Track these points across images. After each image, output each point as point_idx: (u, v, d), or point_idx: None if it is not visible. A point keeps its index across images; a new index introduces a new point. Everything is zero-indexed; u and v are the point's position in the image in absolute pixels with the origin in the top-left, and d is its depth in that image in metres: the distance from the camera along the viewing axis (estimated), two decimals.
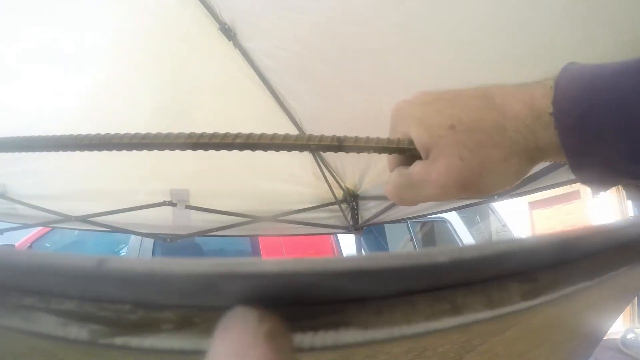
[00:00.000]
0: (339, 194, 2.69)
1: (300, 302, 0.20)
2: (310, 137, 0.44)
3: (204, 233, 2.70)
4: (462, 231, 5.31)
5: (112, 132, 0.44)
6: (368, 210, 2.79)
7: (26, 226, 2.58)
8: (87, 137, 0.43)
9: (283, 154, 0.46)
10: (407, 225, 5.17)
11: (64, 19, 1.71)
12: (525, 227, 7.65)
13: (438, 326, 0.22)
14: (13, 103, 1.88)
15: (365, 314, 0.21)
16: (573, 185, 1.96)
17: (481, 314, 0.23)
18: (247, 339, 0.17)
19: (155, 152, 0.45)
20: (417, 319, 0.21)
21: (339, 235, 4.17)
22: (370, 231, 4.68)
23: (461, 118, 0.43)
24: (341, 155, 2.25)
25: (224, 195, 2.52)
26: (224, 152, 0.46)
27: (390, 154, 0.48)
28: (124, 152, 0.45)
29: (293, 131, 1.81)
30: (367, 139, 0.45)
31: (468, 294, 0.23)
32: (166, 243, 2.81)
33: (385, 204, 2.59)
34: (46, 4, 1.65)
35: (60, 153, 0.49)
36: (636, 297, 4.12)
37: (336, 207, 2.73)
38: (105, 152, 0.44)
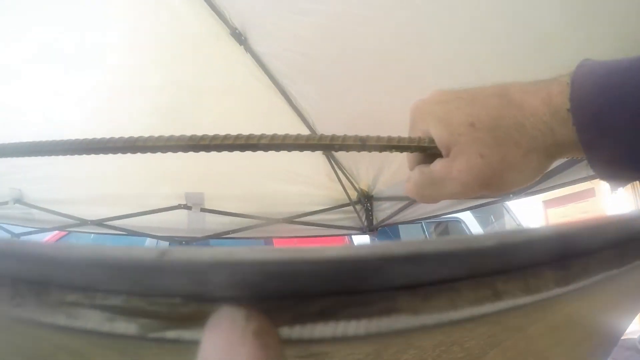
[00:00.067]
0: (353, 195, 2.69)
1: (352, 289, 0.20)
2: (333, 137, 0.45)
3: (218, 236, 2.72)
4: (476, 231, 5.28)
5: (118, 135, 0.44)
6: (382, 211, 2.78)
7: (42, 230, 2.60)
8: (91, 141, 0.43)
9: (296, 157, 0.47)
10: (422, 225, 5.16)
11: (90, 20, 1.71)
12: None
13: (482, 311, 0.22)
14: (13, 103, 1.90)
15: (415, 300, 0.21)
16: (588, 182, 1.95)
17: (520, 299, 0.23)
18: (235, 336, 0.17)
19: (170, 156, 0.45)
20: (462, 305, 0.22)
21: (353, 237, 4.16)
22: (384, 232, 4.65)
23: (480, 116, 0.44)
24: (355, 156, 2.27)
25: (238, 198, 2.53)
26: (237, 155, 0.46)
27: (412, 152, 0.48)
28: (139, 156, 0.45)
29: (305, 133, 1.81)
30: (389, 138, 0.46)
31: (508, 280, 0.23)
32: (181, 246, 2.81)
33: (400, 204, 2.58)
34: (47, 4, 1.65)
35: (74, 158, 0.49)
36: None
37: (350, 208, 2.73)
38: (112, 156, 0.45)
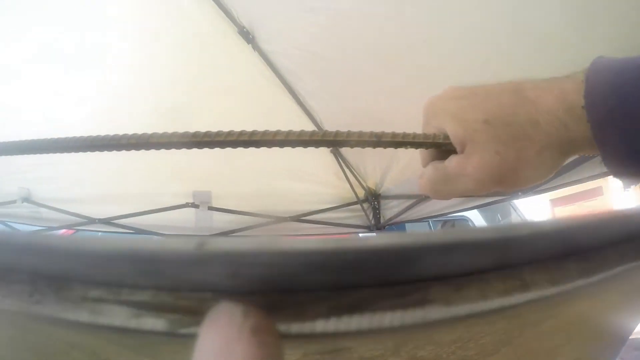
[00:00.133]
0: (361, 193, 2.69)
1: (386, 281, 0.20)
2: (337, 133, 0.44)
3: (226, 234, 2.71)
4: None
5: (122, 133, 0.44)
6: (390, 209, 2.79)
7: (50, 229, 2.61)
8: (95, 138, 0.43)
9: (304, 155, 0.46)
10: (429, 223, 5.14)
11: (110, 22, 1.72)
12: None
13: (511, 302, 0.22)
14: (13, 103, 1.90)
15: (447, 290, 0.21)
16: (596, 181, 1.94)
17: (547, 290, 0.23)
18: (232, 333, 0.17)
19: (177, 154, 0.45)
20: (492, 295, 0.22)
21: (360, 235, 4.16)
22: (392, 230, 4.66)
23: (495, 112, 0.43)
24: (362, 154, 2.27)
25: (245, 197, 2.53)
26: (244, 154, 0.46)
27: (426, 148, 0.48)
28: (146, 155, 0.45)
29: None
30: (404, 135, 0.45)
31: (535, 271, 0.23)
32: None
33: (407, 202, 2.58)
34: (47, 4, 1.66)
35: (81, 157, 0.49)
36: None
37: (358, 206, 2.73)
38: (119, 155, 0.44)
